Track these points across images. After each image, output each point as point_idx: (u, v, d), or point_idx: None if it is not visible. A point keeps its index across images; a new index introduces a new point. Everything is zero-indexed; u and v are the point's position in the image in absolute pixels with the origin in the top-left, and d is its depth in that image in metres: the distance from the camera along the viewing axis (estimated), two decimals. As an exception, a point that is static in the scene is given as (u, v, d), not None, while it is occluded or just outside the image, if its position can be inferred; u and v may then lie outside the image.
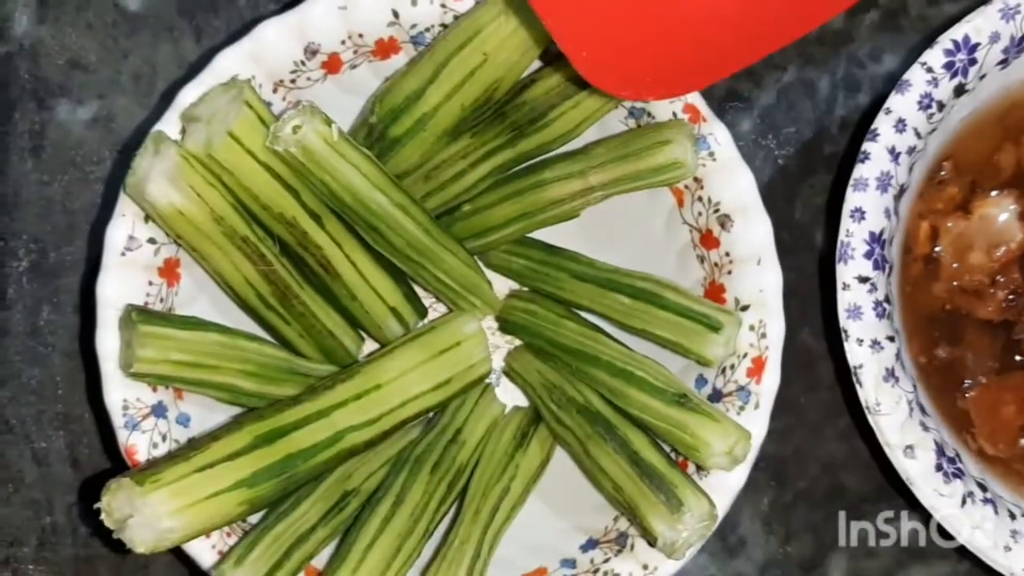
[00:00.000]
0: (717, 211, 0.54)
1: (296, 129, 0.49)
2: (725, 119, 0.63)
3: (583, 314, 0.57)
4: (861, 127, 0.63)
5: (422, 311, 0.57)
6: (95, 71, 0.62)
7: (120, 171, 0.61)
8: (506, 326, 0.58)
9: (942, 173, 0.57)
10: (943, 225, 0.56)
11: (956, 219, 0.56)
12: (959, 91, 0.55)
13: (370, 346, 0.57)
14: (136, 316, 0.50)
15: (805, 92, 0.64)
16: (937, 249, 0.57)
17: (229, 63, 0.53)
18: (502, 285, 0.59)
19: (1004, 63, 0.55)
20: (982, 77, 0.55)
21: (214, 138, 0.50)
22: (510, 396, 0.58)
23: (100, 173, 0.61)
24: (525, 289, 0.58)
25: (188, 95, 0.52)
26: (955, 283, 0.57)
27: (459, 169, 0.55)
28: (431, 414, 0.55)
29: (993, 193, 0.57)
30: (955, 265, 0.56)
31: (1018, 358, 0.57)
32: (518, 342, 0.59)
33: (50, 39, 0.62)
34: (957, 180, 0.57)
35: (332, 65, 0.55)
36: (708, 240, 0.55)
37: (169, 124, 0.52)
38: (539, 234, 0.58)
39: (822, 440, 0.61)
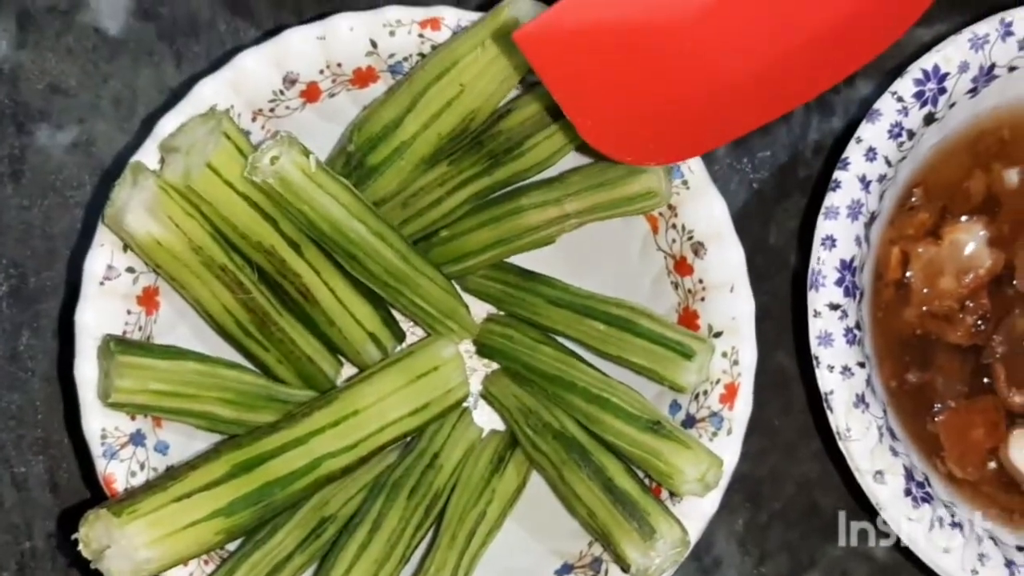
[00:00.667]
0: (691, 238, 0.54)
1: (274, 160, 0.50)
2: (700, 143, 0.64)
3: (560, 339, 0.57)
4: (835, 151, 0.64)
5: (400, 335, 0.58)
6: (75, 96, 0.62)
7: (100, 196, 0.61)
8: (483, 350, 0.59)
9: (913, 199, 0.58)
10: (914, 251, 0.57)
11: (926, 245, 0.57)
12: (929, 119, 0.56)
13: (349, 370, 0.58)
14: (114, 346, 0.51)
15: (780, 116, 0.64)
16: (908, 275, 0.57)
17: (208, 92, 0.53)
18: (480, 309, 0.59)
19: (973, 92, 0.56)
20: (952, 105, 0.56)
21: (193, 169, 0.50)
22: (488, 419, 0.59)
23: (80, 198, 0.61)
24: (502, 313, 0.59)
25: (167, 124, 0.53)
26: (925, 308, 0.57)
27: (437, 196, 0.56)
28: (409, 438, 0.56)
29: (963, 219, 0.58)
30: (925, 290, 0.57)
31: (986, 381, 0.57)
32: (496, 365, 0.59)
33: (30, 64, 0.62)
34: (928, 206, 0.58)
35: (311, 94, 0.55)
36: (682, 267, 0.55)
37: (148, 154, 0.52)
38: (517, 259, 0.58)
39: (797, 461, 0.62)
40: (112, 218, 0.51)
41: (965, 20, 0.65)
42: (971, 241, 0.57)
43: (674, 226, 0.55)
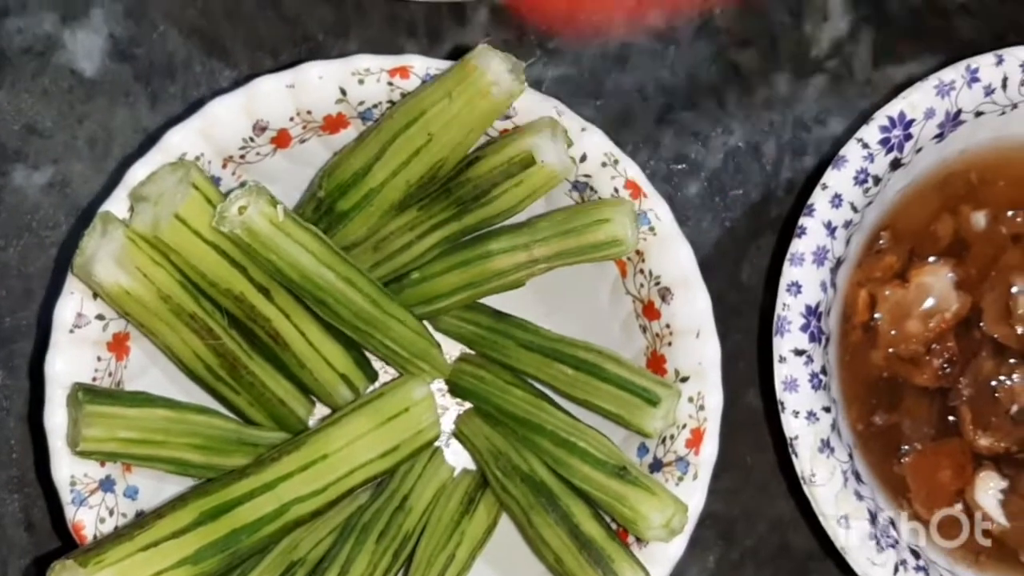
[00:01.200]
0: (658, 284, 0.55)
1: (242, 210, 0.50)
2: (673, 181, 0.64)
3: (531, 381, 0.58)
4: (806, 190, 0.64)
5: (373, 375, 0.58)
6: (51, 136, 0.63)
7: (75, 236, 0.61)
8: (455, 390, 0.59)
9: (880, 243, 0.58)
10: (881, 293, 0.57)
11: (894, 287, 0.58)
12: (895, 165, 0.56)
13: (322, 410, 0.58)
14: (82, 396, 0.51)
15: (752, 155, 0.65)
16: (876, 317, 0.58)
17: (178, 140, 0.54)
18: (453, 347, 0.60)
19: (940, 137, 0.57)
20: (918, 151, 0.56)
21: (161, 220, 0.51)
22: (460, 457, 0.59)
23: (55, 238, 0.62)
24: (475, 353, 0.59)
25: (138, 172, 0.53)
26: (892, 350, 0.58)
27: (407, 240, 0.56)
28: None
29: (931, 260, 0.58)
30: (892, 332, 0.58)
31: (953, 421, 0.58)
32: (469, 404, 0.60)
33: (6, 104, 0.63)
34: (895, 249, 0.58)
35: (281, 140, 0.56)
36: (650, 311, 0.56)
37: (118, 202, 0.53)
38: (490, 299, 0.59)
39: (769, 499, 0.62)
40: (81, 268, 0.51)
41: (937, 59, 0.66)
42: (938, 284, 0.57)
43: (642, 271, 0.55)
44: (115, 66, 0.63)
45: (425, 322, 0.58)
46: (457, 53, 0.57)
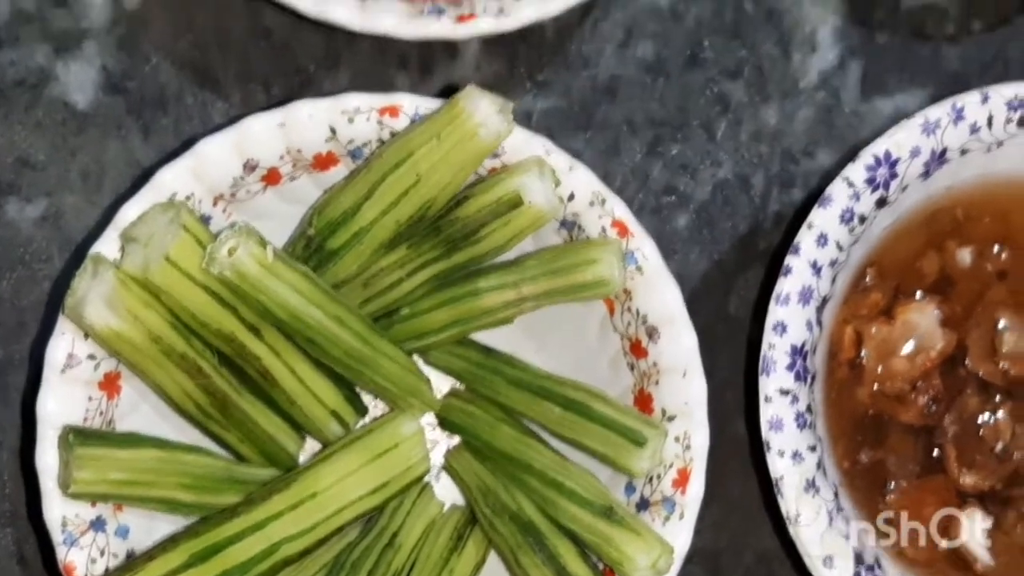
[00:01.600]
0: (645, 322, 0.55)
1: (231, 252, 0.51)
2: (662, 214, 0.65)
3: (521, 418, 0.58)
4: (794, 223, 0.65)
5: (363, 410, 0.59)
6: (43, 169, 0.63)
7: (69, 270, 0.62)
8: (445, 424, 0.60)
9: (866, 280, 0.58)
10: (867, 331, 0.58)
11: (880, 324, 0.58)
12: (881, 203, 0.56)
13: (312, 444, 0.59)
14: (73, 438, 0.52)
15: (741, 187, 0.65)
16: (862, 354, 0.58)
17: (170, 179, 0.54)
18: (443, 381, 0.60)
19: (926, 174, 0.57)
20: (904, 188, 0.57)
21: (152, 262, 0.51)
22: (450, 491, 0.59)
23: (49, 271, 0.62)
24: (464, 388, 0.60)
25: (129, 212, 0.53)
26: (878, 387, 0.58)
27: (396, 278, 0.56)
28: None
29: (917, 296, 0.58)
30: (878, 370, 0.58)
31: (938, 458, 0.58)
32: (459, 438, 0.60)
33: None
34: (881, 286, 0.59)
35: (272, 178, 0.56)
36: (637, 349, 0.56)
37: (109, 242, 0.53)
38: (480, 334, 0.59)
39: (756, 531, 0.63)
40: (72, 309, 0.52)
41: (926, 91, 0.66)
42: (924, 321, 0.58)
43: (629, 309, 0.56)
44: (108, 99, 0.63)
45: (415, 356, 0.59)
46: (448, 90, 0.57)
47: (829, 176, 0.65)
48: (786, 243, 0.65)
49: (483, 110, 0.53)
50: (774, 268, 0.64)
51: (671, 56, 0.66)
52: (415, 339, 0.58)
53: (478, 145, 0.53)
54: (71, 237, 0.62)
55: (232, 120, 0.56)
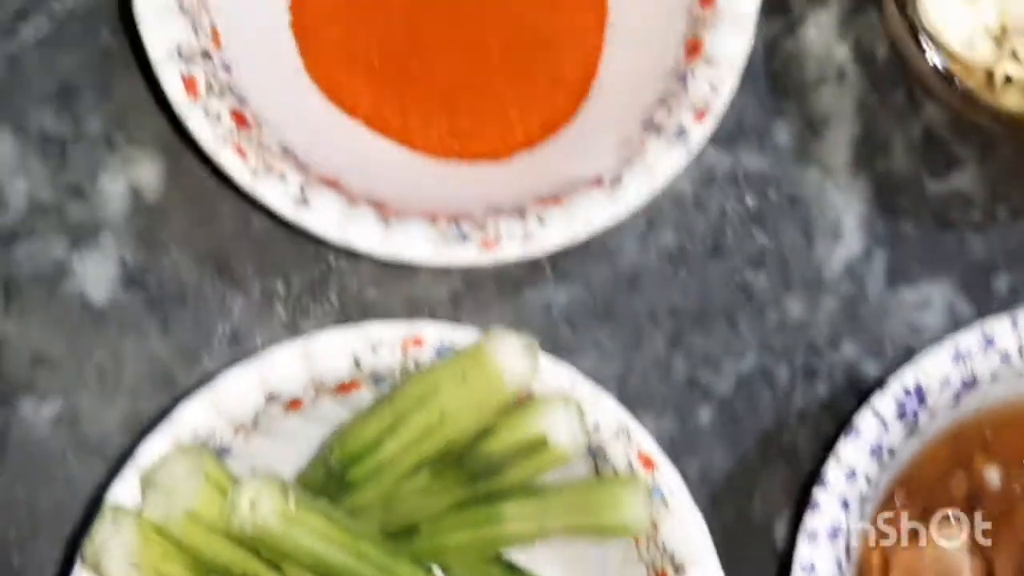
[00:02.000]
0: (672, 559, 0.54)
1: (252, 504, 0.50)
2: (684, 409, 0.64)
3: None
4: (819, 420, 0.64)
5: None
6: (59, 367, 0.62)
7: (84, 472, 0.61)
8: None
9: (895, 501, 0.58)
10: (894, 556, 0.57)
11: (907, 549, 0.57)
12: (910, 431, 0.56)
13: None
14: None
15: (764, 381, 0.64)
16: (890, 577, 0.58)
17: (190, 414, 0.53)
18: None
19: (955, 402, 0.56)
20: (933, 416, 0.56)
21: (173, 513, 0.50)
22: None
23: (63, 473, 0.61)
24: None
25: (149, 450, 0.53)
26: (906, 613, 0.58)
27: (418, 503, 0.56)
28: None
29: (944, 519, 0.58)
30: (907, 596, 0.57)
31: None
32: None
33: (15, 334, 0.62)
34: (908, 506, 0.58)
35: (293, 405, 0.55)
36: (664, 581, 0.55)
37: (129, 482, 0.53)
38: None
39: None
40: (91, 558, 0.51)
41: (951, 279, 0.66)
42: (951, 545, 0.57)
43: (655, 542, 0.55)
44: (125, 294, 0.63)
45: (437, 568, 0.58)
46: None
47: (853, 370, 0.65)
48: (809, 443, 0.64)
49: (508, 354, 0.52)
50: (796, 467, 0.64)
51: (693, 245, 0.65)
52: (436, 555, 0.57)
53: (503, 390, 0.52)
54: (87, 438, 0.62)
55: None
